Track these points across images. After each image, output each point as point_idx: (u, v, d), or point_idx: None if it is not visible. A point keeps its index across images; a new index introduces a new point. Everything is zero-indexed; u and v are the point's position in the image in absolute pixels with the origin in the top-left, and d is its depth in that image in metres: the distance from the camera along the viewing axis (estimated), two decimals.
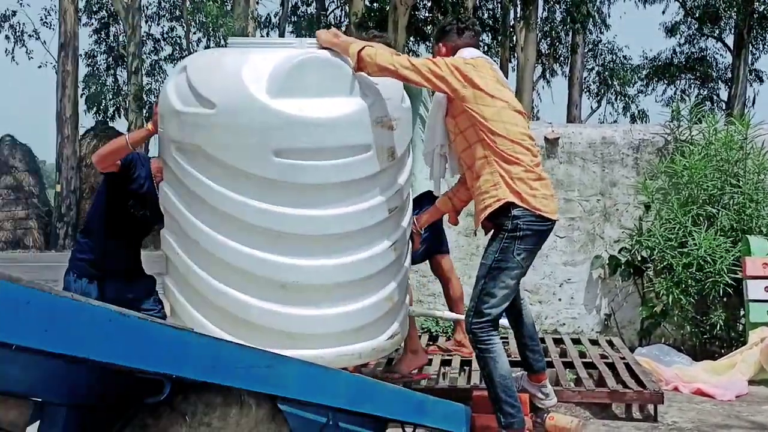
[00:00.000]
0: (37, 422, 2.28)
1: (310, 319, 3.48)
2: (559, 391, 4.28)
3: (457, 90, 3.54)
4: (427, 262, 5.10)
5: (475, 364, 4.61)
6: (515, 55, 23.59)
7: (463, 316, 4.96)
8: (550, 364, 4.84)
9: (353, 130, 3.44)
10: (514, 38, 23.19)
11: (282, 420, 2.72)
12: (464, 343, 4.99)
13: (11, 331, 1.72)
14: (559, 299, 6.46)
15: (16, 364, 2.04)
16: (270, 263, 3.39)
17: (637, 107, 30.59)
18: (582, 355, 5.29)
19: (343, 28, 20.74)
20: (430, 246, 4.86)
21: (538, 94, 30.32)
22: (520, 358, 4.08)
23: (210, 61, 3.59)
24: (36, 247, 24.39)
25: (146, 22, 27.78)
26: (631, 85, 30.38)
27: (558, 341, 5.72)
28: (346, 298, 3.55)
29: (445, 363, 4.92)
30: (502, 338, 3.77)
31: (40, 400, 2.21)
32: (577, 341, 5.77)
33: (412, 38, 22.06)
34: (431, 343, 5.49)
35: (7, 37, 26.42)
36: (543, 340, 5.59)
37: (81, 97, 25.05)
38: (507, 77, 24.86)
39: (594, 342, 5.77)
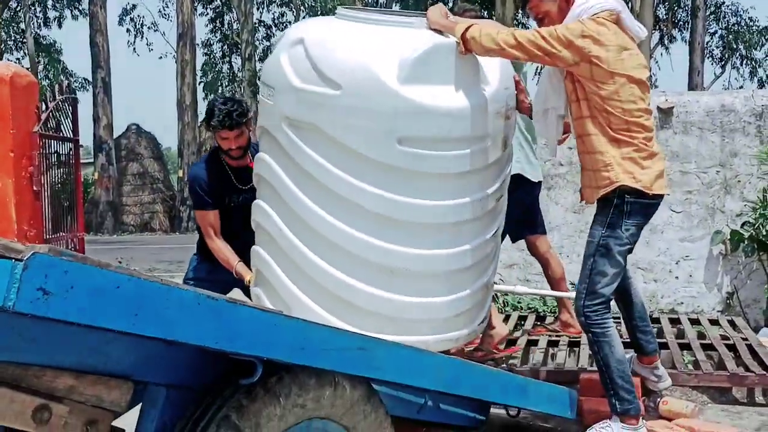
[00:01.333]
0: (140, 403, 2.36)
1: (414, 306, 3.45)
2: (675, 375, 4.08)
3: (571, 66, 3.29)
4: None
5: (583, 345, 4.47)
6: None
7: (544, 291, 4.75)
8: (665, 346, 4.63)
9: (477, 120, 3.35)
10: (629, 3, 22.28)
11: (378, 401, 2.71)
12: (571, 323, 4.84)
13: (103, 316, 1.78)
14: (676, 277, 6.17)
15: (117, 345, 2.11)
16: (381, 249, 3.35)
17: (765, 72, 28.94)
18: (701, 336, 5.03)
19: (450, 3, 20.49)
20: (522, 226, 4.76)
21: (656, 62, 29.16)
22: (630, 340, 3.91)
23: (330, 37, 3.43)
24: (162, 230, 25.55)
25: (258, 9, 28.40)
26: (758, 48, 28.68)
27: (674, 321, 5.47)
28: (452, 286, 3.51)
29: (552, 344, 4.79)
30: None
31: (141, 380, 2.27)
32: (695, 321, 5.49)
33: (520, 11, 21.55)
34: (538, 323, 5.36)
35: (128, 30, 27.67)
36: (658, 320, 5.37)
37: (199, 84, 25.93)
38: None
39: (714, 322, 5.47)
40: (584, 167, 3.50)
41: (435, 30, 3.38)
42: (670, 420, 3.81)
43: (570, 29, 3.26)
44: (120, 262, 10.12)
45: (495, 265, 3.80)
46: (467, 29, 3.28)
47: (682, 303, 6.15)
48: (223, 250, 4.14)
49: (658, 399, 3.94)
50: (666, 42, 27.81)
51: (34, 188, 6.24)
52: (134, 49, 27.71)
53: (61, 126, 7.13)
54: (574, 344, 4.70)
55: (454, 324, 3.56)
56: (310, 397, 2.45)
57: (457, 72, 3.35)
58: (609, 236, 3.37)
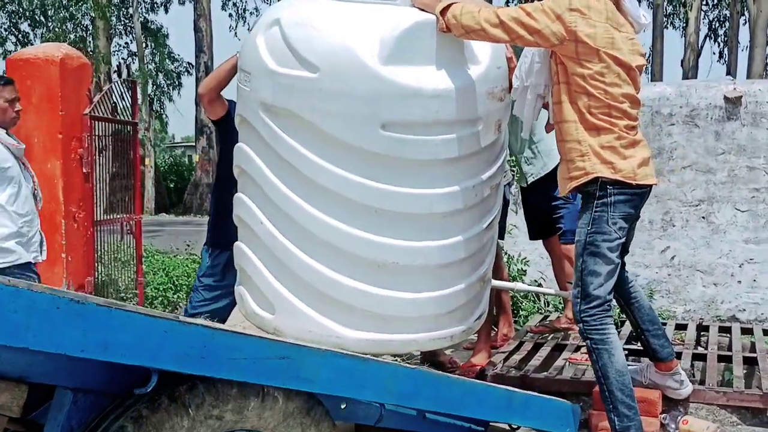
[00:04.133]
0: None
1: (405, 302, 3.25)
2: (701, 392, 3.72)
3: (556, 45, 3.07)
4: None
5: None
6: (746, 6, 21.38)
7: (543, 289, 4.45)
8: (702, 357, 4.25)
9: (467, 102, 3.15)
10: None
11: (321, 413, 2.52)
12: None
13: None
14: (739, 281, 5.72)
15: (9, 349, 1.96)
16: (367, 242, 3.17)
17: None
18: (750, 348, 4.59)
19: None
20: (546, 226, 4.52)
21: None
22: (642, 348, 3.58)
23: (307, 17, 3.23)
24: None
25: None
26: None
27: (725, 330, 5.02)
28: (444, 280, 3.31)
29: (559, 347, 4.45)
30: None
31: (39, 383, 2.14)
32: (747, 331, 5.03)
33: None
34: (543, 321, 5.05)
35: (230, 15, 28.23)
36: (706, 329, 4.96)
37: None
38: (738, 32, 22.62)
39: None
40: (562, 157, 3.24)
41: (419, 7, 3.16)
42: None
43: (557, 2, 3.05)
44: (188, 245, 10.30)
45: (492, 257, 3.57)
46: (447, 7, 3.06)
47: (743, 310, 5.67)
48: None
49: (680, 417, 3.60)
50: None
51: (84, 170, 6.32)
52: (236, 33, 28.07)
53: (118, 108, 7.22)
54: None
55: (448, 321, 3.37)
56: (229, 408, 2.27)
57: (444, 51, 3.14)
58: (595, 233, 3.13)
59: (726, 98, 5.67)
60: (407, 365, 2.72)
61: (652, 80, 24.27)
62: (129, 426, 2.11)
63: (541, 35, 3.04)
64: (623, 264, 3.35)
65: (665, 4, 24.74)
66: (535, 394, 3.31)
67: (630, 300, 3.48)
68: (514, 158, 5.75)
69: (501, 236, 4.71)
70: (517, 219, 5.97)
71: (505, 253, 5.75)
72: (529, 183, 4.64)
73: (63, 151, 6.09)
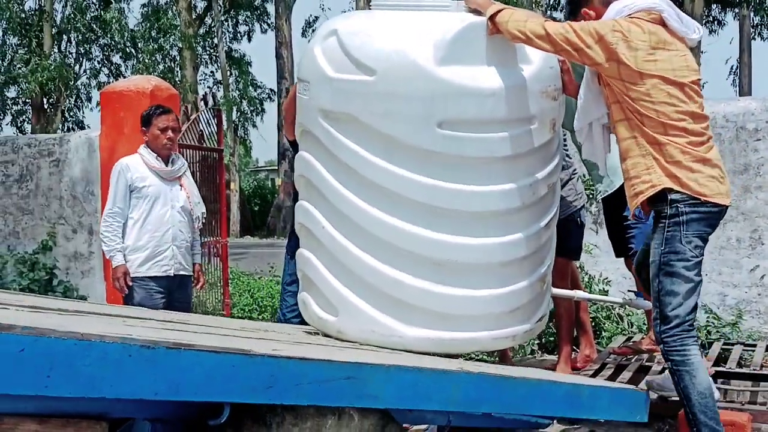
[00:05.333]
0: None
1: (466, 300, 3.30)
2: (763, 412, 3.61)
3: (600, 64, 3.12)
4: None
5: None
6: None
7: (607, 298, 4.46)
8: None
9: (521, 100, 3.23)
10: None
11: (396, 429, 2.57)
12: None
13: (7, 383, 1.71)
14: None
15: None
16: (426, 240, 3.23)
17: None
18: None
19: None
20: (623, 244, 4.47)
21: None
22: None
23: (364, 25, 3.37)
24: None
25: None
26: None
27: None
28: (504, 278, 3.35)
29: (643, 369, 4.36)
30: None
31: (118, 417, 2.20)
32: None
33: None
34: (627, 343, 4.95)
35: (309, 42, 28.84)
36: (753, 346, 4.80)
37: None
38: None
39: None
40: (626, 176, 3.23)
41: (472, 10, 3.26)
42: None
43: (602, 24, 3.14)
44: (272, 267, 10.51)
45: (551, 257, 3.58)
46: (498, 12, 3.15)
47: None
48: None
49: None
50: None
51: None
52: None
53: (204, 136, 7.49)
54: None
55: (509, 320, 3.40)
56: (308, 426, 2.32)
57: (496, 51, 3.23)
58: (669, 252, 3.10)
59: None
60: (470, 370, 2.69)
61: (740, 94, 23.58)
62: None
63: (585, 54, 3.10)
64: None
65: (752, 15, 24.00)
66: (603, 383, 3.28)
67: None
68: (590, 177, 5.72)
69: (577, 257, 4.68)
70: (598, 239, 5.91)
71: (586, 273, 5.69)
72: (600, 200, 4.63)
73: None
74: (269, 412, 2.25)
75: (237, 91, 27.46)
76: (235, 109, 26.72)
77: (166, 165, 4.67)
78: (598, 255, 5.96)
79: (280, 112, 25.83)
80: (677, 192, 3.06)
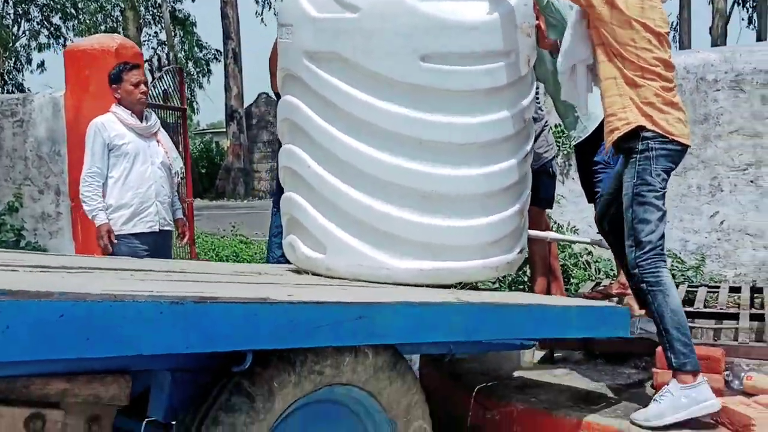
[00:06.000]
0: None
1: (451, 231, 3.39)
2: (763, 348, 3.81)
3: (595, 6, 3.32)
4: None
5: None
6: None
7: (576, 238, 4.63)
8: (759, 317, 4.33)
9: (499, 34, 3.34)
10: None
11: (405, 367, 2.68)
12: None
13: (50, 348, 1.74)
14: None
15: None
16: (412, 172, 3.32)
17: None
18: None
19: None
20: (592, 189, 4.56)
21: None
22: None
23: None
24: None
25: None
26: None
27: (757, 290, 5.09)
28: (487, 209, 3.46)
29: None
30: None
31: (140, 370, 2.27)
32: None
33: None
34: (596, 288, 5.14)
35: (256, 1, 28.29)
36: (760, 290, 5.03)
37: None
38: None
39: None
40: (605, 113, 3.42)
41: None
42: (750, 396, 3.57)
43: None
44: (234, 227, 10.51)
45: (528, 191, 3.70)
46: None
47: None
48: None
49: (743, 374, 3.69)
50: None
51: None
52: (262, 19, 28.15)
53: (168, 95, 7.41)
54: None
55: (493, 250, 3.51)
56: (329, 364, 2.44)
57: None
58: (641, 184, 3.30)
59: None
60: (470, 300, 2.77)
61: (680, 48, 24.01)
62: (245, 381, 2.28)
63: None
64: None
65: None
66: (588, 303, 3.44)
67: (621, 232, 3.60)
68: (560, 128, 5.85)
69: (550, 206, 4.79)
70: (564, 189, 6.07)
71: (554, 222, 5.86)
72: (572, 147, 4.75)
73: None
74: (292, 352, 2.35)
75: (182, 52, 26.96)
76: (171, 68, 26.25)
77: (141, 121, 4.64)
78: (564, 204, 6.13)
79: (228, 73, 25.47)
80: (649, 130, 3.29)
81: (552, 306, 3.18)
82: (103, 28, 24.04)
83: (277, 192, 4.37)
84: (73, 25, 25.21)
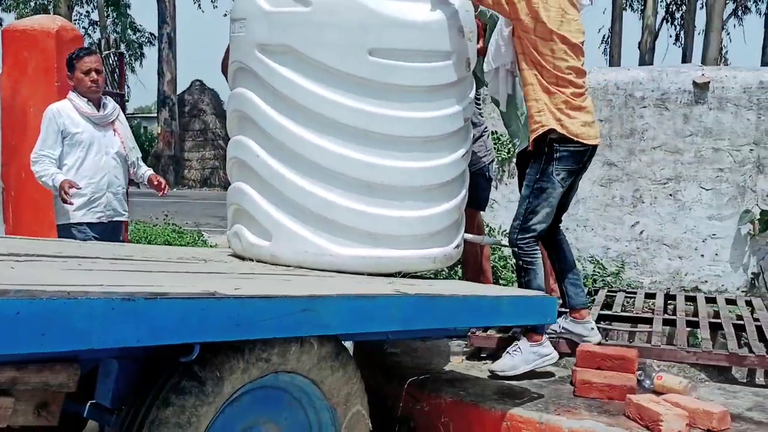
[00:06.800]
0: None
1: (392, 220, 3.53)
2: (673, 352, 4.10)
3: (521, 19, 3.62)
4: None
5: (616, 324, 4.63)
6: None
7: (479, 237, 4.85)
8: (673, 323, 4.64)
9: (442, 35, 3.53)
10: None
11: (347, 357, 2.82)
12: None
13: (7, 344, 1.81)
14: (702, 255, 6.06)
15: None
16: (358, 162, 3.45)
17: None
18: (715, 315, 5.00)
19: None
20: None
21: (728, 34, 28.04)
22: (560, 295, 4.05)
23: None
24: (222, 186, 26.02)
25: None
26: None
27: (691, 299, 5.43)
28: (427, 201, 3.63)
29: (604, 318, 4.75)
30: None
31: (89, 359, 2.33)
32: (711, 300, 5.45)
33: None
34: None
35: None
36: (673, 297, 5.36)
37: None
38: (694, 16, 23.03)
39: (731, 302, 5.41)
40: (528, 114, 3.78)
41: None
42: (660, 394, 3.84)
43: None
44: (166, 215, 10.44)
45: (465, 191, 3.87)
46: None
47: (706, 281, 6.05)
48: None
49: (654, 374, 3.96)
50: (740, 13, 26.77)
51: None
52: (199, 5, 27.78)
53: (108, 80, 7.33)
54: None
55: (431, 242, 3.67)
56: (276, 352, 2.56)
57: None
58: (541, 180, 3.75)
59: (695, 83, 6.02)
60: (407, 292, 2.91)
61: (610, 62, 24.74)
62: (195, 366, 2.37)
63: (513, 7, 3.61)
64: (559, 218, 3.97)
65: None
66: (519, 293, 3.63)
67: (558, 249, 4.06)
68: (501, 136, 6.07)
69: (484, 208, 4.99)
70: (497, 194, 6.29)
71: (487, 225, 6.08)
72: (516, 154, 4.95)
73: None
74: (242, 340, 2.45)
75: (115, 34, 26.40)
76: (111, 52, 25.71)
77: (98, 110, 4.62)
78: (497, 209, 6.36)
79: (161, 58, 25.09)
80: (558, 134, 3.68)
81: (485, 296, 3.34)
82: (32, 4, 23.35)
83: None
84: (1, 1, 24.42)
